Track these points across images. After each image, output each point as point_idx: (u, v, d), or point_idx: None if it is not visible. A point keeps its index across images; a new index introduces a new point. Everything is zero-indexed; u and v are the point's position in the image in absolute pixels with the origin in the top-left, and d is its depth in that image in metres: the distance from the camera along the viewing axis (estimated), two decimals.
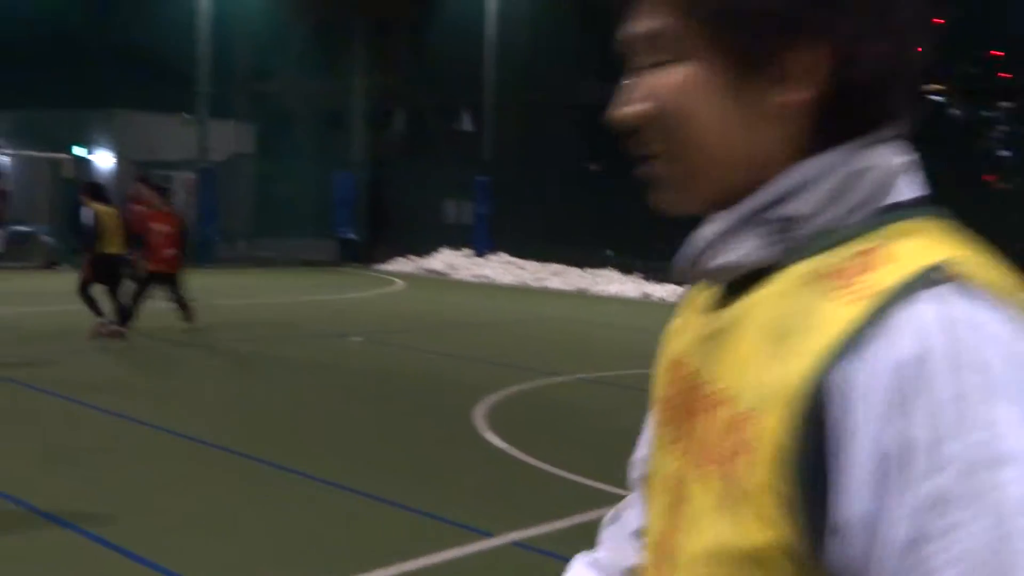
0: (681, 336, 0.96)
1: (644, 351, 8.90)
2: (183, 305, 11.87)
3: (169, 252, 11.60)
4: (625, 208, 23.41)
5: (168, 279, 11.73)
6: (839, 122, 0.82)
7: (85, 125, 26.50)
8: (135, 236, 11.59)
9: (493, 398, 8.82)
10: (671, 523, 0.88)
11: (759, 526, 0.75)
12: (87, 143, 26.57)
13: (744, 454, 0.77)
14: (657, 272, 21.57)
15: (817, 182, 0.82)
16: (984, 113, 25.78)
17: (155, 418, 7.61)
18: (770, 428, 0.75)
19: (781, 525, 0.74)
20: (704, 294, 0.93)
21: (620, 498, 1.23)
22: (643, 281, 21.50)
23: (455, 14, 26.20)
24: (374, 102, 28.49)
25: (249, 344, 11.79)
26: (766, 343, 0.79)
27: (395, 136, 28.76)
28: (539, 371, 10.55)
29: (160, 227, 11.61)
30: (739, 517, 0.77)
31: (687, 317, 0.97)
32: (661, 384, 0.98)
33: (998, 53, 25.04)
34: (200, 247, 19.43)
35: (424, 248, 24.57)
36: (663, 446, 0.94)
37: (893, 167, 0.83)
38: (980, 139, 23.35)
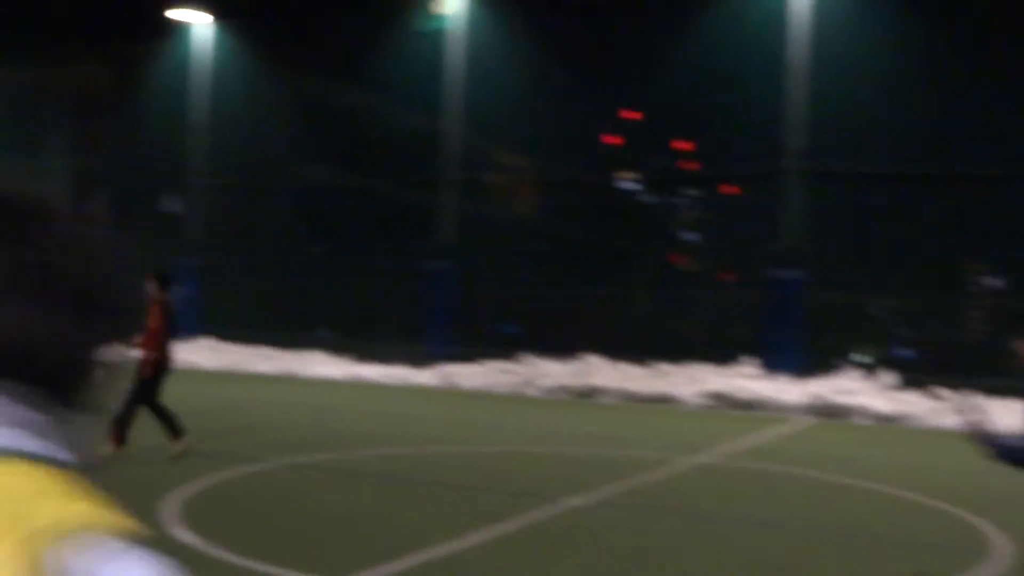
0: None
1: (352, 433, 8.87)
2: None
3: None
4: (338, 289, 23.40)
5: None
6: None
7: None
8: None
9: (187, 490, 8.41)
10: None
11: None
12: None
13: None
14: (369, 353, 21.60)
15: None
16: (673, 200, 27.94)
17: None
18: None
19: None
20: None
21: None
22: (355, 363, 21.46)
23: (163, 96, 25.51)
24: (76, 183, 27.02)
25: None
26: None
27: (97, 217, 27.27)
28: (240, 459, 10.19)
29: None
30: None
31: None
32: None
33: (685, 145, 27.32)
34: None
35: None
36: None
37: None
38: (670, 223, 25.24)
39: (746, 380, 18.64)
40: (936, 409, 16.56)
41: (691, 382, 18.87)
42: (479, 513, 8.04)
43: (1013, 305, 20.89)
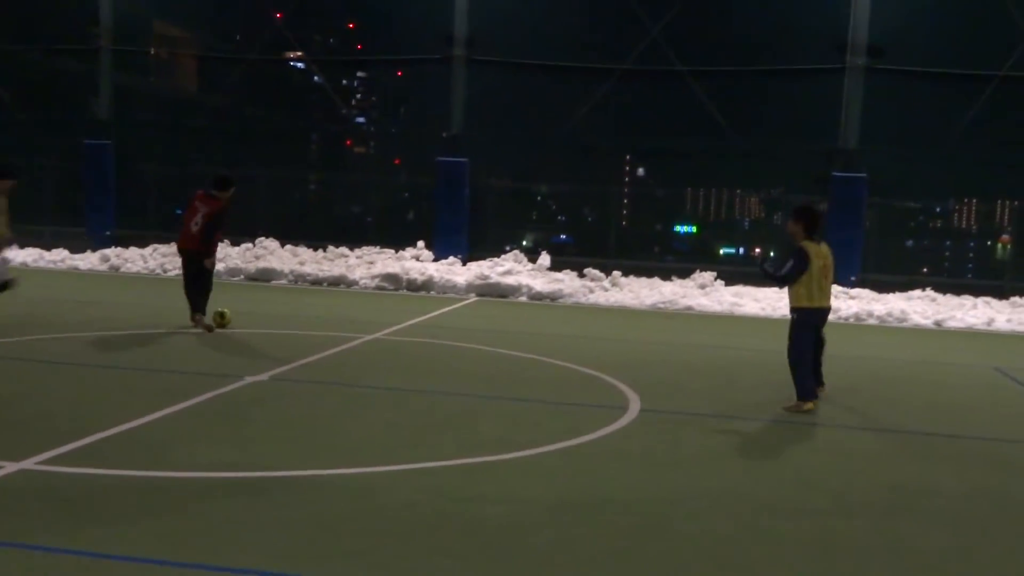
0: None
1: (10, 320, 8.46)
2: None
3: None
4: None
5: None
6: None
7: None
8: None
9: None
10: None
11: None
12: None
13: None
14: (20, 236, 20.16)
15: None
16: (345, 81, 27.78)
17: None
18: None
19: None
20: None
21: None
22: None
23: None
24: None
25: None
26: None
27: None
28: None
29: None
30: None
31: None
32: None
33: (352, 25, 27.13)
34: None
35: None
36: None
37: None
38: (341, 106, 25.17)
39: (417, 263, 19.39)
40: (586, 286, 18.16)
41: (364, 265, 19.34)
42: (158, 392, 8.07)
43: (653, 193, 23.05)
